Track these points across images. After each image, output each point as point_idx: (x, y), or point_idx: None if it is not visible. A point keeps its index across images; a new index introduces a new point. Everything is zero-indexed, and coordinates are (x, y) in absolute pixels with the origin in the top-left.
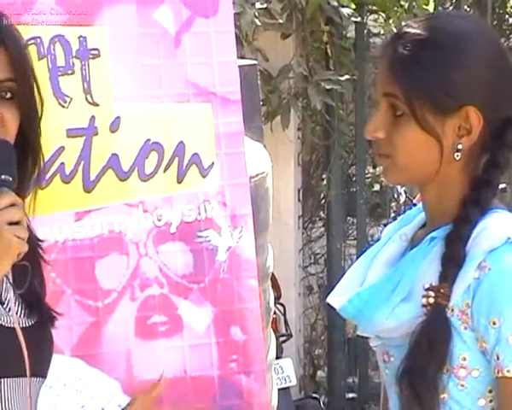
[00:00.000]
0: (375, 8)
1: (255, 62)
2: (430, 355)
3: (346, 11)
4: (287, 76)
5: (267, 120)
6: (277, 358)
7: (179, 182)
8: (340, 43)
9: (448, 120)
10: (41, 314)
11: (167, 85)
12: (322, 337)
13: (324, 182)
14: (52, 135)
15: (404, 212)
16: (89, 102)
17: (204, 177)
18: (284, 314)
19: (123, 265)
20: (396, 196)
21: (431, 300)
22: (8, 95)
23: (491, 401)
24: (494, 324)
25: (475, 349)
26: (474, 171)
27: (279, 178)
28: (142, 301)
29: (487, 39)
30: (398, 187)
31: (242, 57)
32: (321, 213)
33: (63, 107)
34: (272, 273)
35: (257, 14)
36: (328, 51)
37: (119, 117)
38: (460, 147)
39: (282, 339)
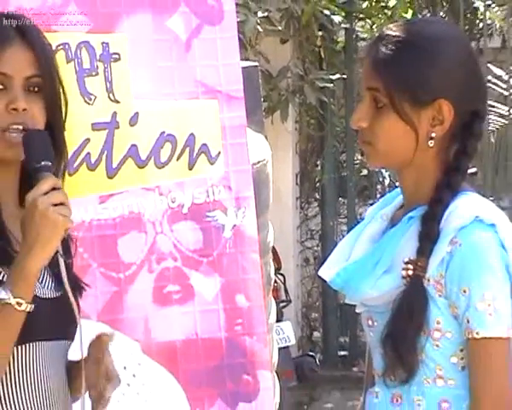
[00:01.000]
0: (362, 16)
1: (257, 64)
2: (410, 320)
3: (336, 19)
4: (285, 76)
5: (268, 114)
6: (278, 321)
7: (190, 169)
8: (332, 46)
9: (423, 111)
10: (73, 286)
11: (179, 85)
12: (318, 303)
13: (319, 168)
14: (79, 128)
15: (389, 193)
16: (111, 100)
17: (212, 164)
18: (284, 283)
19: (141, 241)
20: (381, 179)
21: (410, 272)
22: (36, 89)
23: (462, 359)
24: (464, 292)
25: (448, 314)
26: (445, 158)
27: (279, 165)
28: (159, 273)
29: (459, 42)
30: (383, 172)
31: (246, 59)
32: (316, 194)
33: (88, 104)
34: (273, 247)
35: (259, 21)
36: (322, 54)
37: (137, 112)
38: (433, 135)
39: (282, 305)
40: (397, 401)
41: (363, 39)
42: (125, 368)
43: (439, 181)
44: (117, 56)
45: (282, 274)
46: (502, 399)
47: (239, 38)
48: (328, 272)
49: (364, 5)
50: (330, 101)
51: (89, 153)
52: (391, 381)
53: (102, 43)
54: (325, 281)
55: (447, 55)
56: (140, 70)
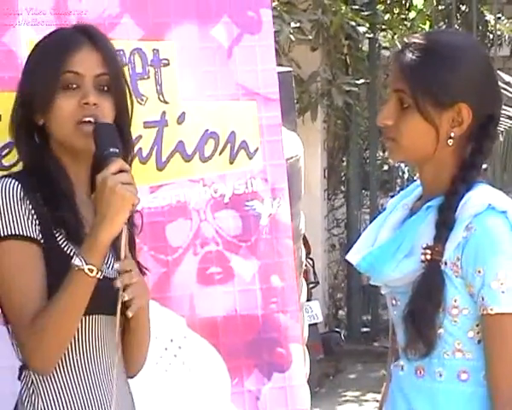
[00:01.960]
0: (384, 27)
1: (290, 69)
2: (428, 299)
3: (361, 29)
4: (315, 80)
5: (300, 115)
6: (307, 300)
7: (231, 163)
8: (357, 54)
9: (444, 113)
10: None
11: (221, 87)
12: (343, 284)
13: (344, 163)
14: (132, 126)
15: (408, 186)
16: (160, 101)
17: (250, 159)
18: (313, 266)
19: (187, 227)
20: (401, 173)
21: (428, 256)
22: (105, 88)
23: (478, 333)
24: (479, 272)
25: (465, 293)
26: (462, 155)
27: (309, 160)
28: (202, 256)
29: (477, 51)
30: (403, 167)
31: (280, 65)
32: (341, 187)
33: (140, 104)
34: (304, 234)
35: (291, 31)
36: (348, 61)
37: (184, 112)
38: (452, 135)
39: (311, 286)
40: (420, 373)
41: (385, 48)
42: (171, 341)
43: (456, 175)
44: (166, 62)
45: (311, 258)
46: None
47: (274, 46)
48: (354, 256)
49: (386, 17)
50: (355, 103)
51: (140, 148)
52: (412, 355)
53: (153, 49)
54: (351, 265)
55: (467, 63)
56: (187, 74)
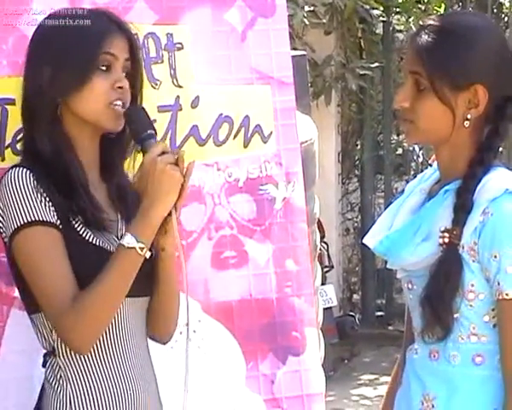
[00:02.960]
0: (398, 10)
1: (304, 53)
2: (446, 283)
3: (375, 13)
4: (329, 64)
5: (314, 99)
6: (322, 284)
7: (245, 147)
8: (371, 37)
9: (460, 94)
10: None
11: (236, 71)
12: (357, 268)
13: (358, 147)
14: (147, 111)
15: (422, 170)
16: (174, 85)
17: (265, 143)
18: (327, 250)
19: (201, 211)
20: (415, 157)
21: (446, 240)
22: (125, 72)
23: (493, 318)
24: (495, 257)
25: (481, 277)
26: (479, 137)
27: (323, 144)
28: (217, 240)
29: (493, 32)
30: (417, 150)
31: (294, 49)
32: (356, 171)
33: (154, 88)
34: (318, 218)
35: (305, 15)
36: (362, 44)
37: (198, 96)
38: (469, 117)
39: (325, 270)
40: (434, 356)
41: (400, 31)
42: (186, 324)
43: (473, 158)
44: (180, 46)
45: (325, 242)
46: None
47: (288, 30)
48: (371, 240)
49: (401, 0)
50: (369, 87)
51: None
52: (429, 338)
53: (167, 34)
54: (366, 248)
55: (483, 44)
56: (200, 58)
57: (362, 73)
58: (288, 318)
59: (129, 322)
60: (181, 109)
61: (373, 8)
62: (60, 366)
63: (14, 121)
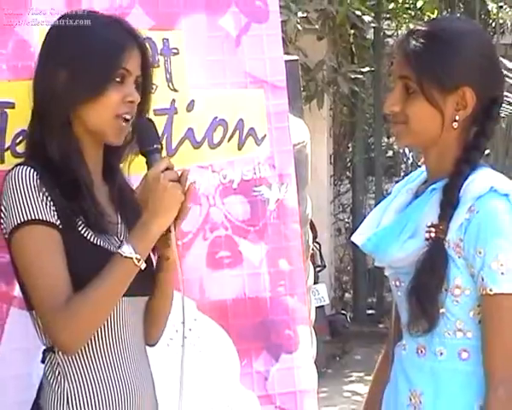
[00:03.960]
0: (388, 16)
1: (297, 58)
2: (432, 275)
3: (366, 19)
4: (321, 68)
5: (306, 102)
6: (314, 283)
7: (239, 149)
8: (362, 43)
9: (449, 97)
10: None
11: (230, 75)
12: (349, 268)
13: (350, 149)
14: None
15: (411, 172)
16: (170, 89)
17: (258, 145)
18: (319, 250)
19: (197, 212)
20: (405, 159)
21: (432, 234)
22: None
23: (479, 314)
24: (480, 253)
25: (467, 273)
26: (466, 137)
27: (315, 147)
28: (212, 241)
29: (479, 36)
30: (407, 152)
31: (287, 54)
32: (347, 173)
33: (150, 92)
34: (310, 219)
35: (298, 21)
36: (353, 49)
37: (193, 100)
38: (457, 118)
39: (317, 269)
40: (421, 352)
41: (390, 36)
42: (182, 323)
43: (460, 157)
44: (176, 51)
45: (317, 242)
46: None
47: (281, 35)
48: (359, 237)
49: (391, 6)
50: (360, 90)
51: None
52: (414, 331)
53: (163, 39)
54: (357, 248)
55: (469, 48)
56: (195, 63)
57: (353, 77)
58: (281, 316)
59: (127, 320)
60: (176, 113)
61: (364, 15)
62: (58, 363)
63: (14, 124)
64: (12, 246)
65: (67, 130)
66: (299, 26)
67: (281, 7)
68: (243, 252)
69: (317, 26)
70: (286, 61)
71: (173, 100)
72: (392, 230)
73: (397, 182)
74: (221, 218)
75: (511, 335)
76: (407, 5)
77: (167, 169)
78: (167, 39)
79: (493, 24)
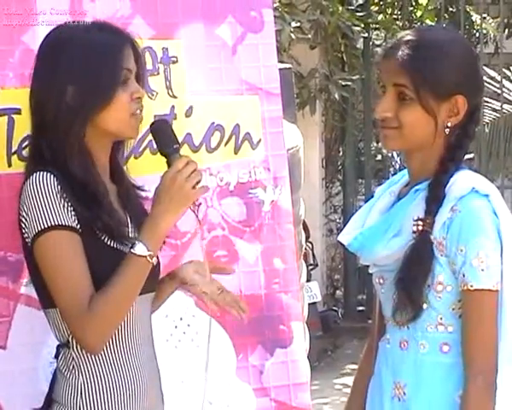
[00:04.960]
0: (377, 26)
1: (290, 66)
2: (419, 265)
3: (356, 29)
4: (313, 76)
5: (299, 108)
6: (307, 281)
7: (236, 153)
8: (352, 52)
9: (443, 104)
10: None
11: (227, 83)
12: (340, 266)
13: (341, 153)
14: (144, 119)
15: None
16: (170, 96)
17: (254, 149)
18: (312, 250)
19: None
20: (393, 163)
21: (420, 228)
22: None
23: (459, 309)
24: (461, 250)
25: (449, 270)
26: (449, 140)
27: (308, 151)
28: (209, 240)
29: (466, 45)
30: (395, 156)
31: (281, 62)
32: (338, 175)
33: (151, 98)
34: (303, 220)
35: (292, 30)
36: (344, 58)
37: (191, 106)
38: (449, 124)
39: (310, 268)
40: (404, 345)
41: (379, 46)
42: (181, 319)
43: (445, 156)
44: (175, 59)
45: (310, 242)
46: (491, 340)
47: (276, 45)
48: (346, 237)
49: (379, 18)
50: (351, 97)
51: (151, 140)
52: (400, 319)
53: (163, 48)
54: (345, 246)
55: (461, 57)
56: (194, 71)
57: (344, 84)
58: (275, 312)
59: (138, 317)
60: (176, 118)
61: (354, 25)
62: (73, 357)
63: (20, 129)
64: (35, 250)
65: (84, 145)
66: (292, 36)
67: (275, 17)
68: (239, 251)
69: (309, 36)
70: (280, 69)
71: (173, 106)
72: (378, 229)
73: None
74: (218, 219)
75: (490, 328)
76: (395, 16)
77: (187, 164)
78: (167, 48)
79: (477, 34)
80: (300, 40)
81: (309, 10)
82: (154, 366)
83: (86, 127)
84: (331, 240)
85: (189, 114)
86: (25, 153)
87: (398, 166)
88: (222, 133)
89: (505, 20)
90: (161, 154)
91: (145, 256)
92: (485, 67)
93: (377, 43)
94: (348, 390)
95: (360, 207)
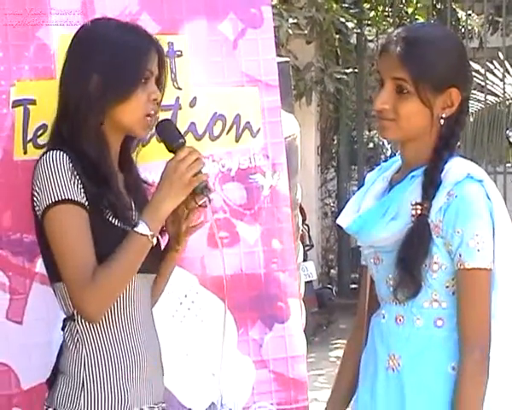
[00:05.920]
0: (369, 22)
1: (288, 60)
2: (419, 245)
3: (350, 25)
4: (309, 69)
5: (296, 99)
6: (304, 261)
7: (237, 141)
8: (346, 46)
9: (439, 97)
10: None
11: (228, 75)
12: (334, 247)
13: (335, 141)
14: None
15: None
16: (175, 87)
17: (254, 137)
18: (308, 231)
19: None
20: (384, 150)
21: (418, 211)
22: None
23: (453, 286)
24: (458, 232)
25: (444, 251)
26: (443, 129)
27: (304, 139)
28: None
29: (457, 40)
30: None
31: (279, 56)
32: (333, 162)
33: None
34: (300, 204)
35: (289, 26)
36: (338, 52)
37: (195, 97)
38: (444, 116)
39: (306, 248)
40: (400, 320)
41: (371, 41)
42: (185, 296)
43: (439, 144)
44: (180, 53)
45: (306, 224)
46: (486, 316)
47: (274, 40)
48: (344, 220)
49: (371, 14)
50: (345, 89)
51: None
52: (401, 295)
53: (168, 42)
54: (341, 229)
55: (455, 51)
56: (198, 64)
57: (338, 77)
58: (274, 290)
59: (138, 294)
60: (180, 108)
61: (348, 21)
62: (77, 330)
63: (35, 119)
64: (45, 223)
65: (101, 131)
66: (290, 32)
67: (273, 14)
68: (240, 233)
69: (306, 32)
70: (278, 63)
71: (178, 97)
72: (376, 212)
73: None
74: (220, 202)
75: (485, 304)
76: (386, 13)
77: (189, 154)
78: (172, 43)
79: (462, 30)
80: (297, 35)
81: (305, 7)
82: (154, 340)
83: (104, 117)
84: (326, 222)
85: (193, 104)
86: (39, 140)
87: (389, 154)
88: (224, 122)
89: (489, 17)
90: (169, 151)
91: (146, 235)
92: (470, 61)
93: (369, 38)
94: None
95: (353, 191)
